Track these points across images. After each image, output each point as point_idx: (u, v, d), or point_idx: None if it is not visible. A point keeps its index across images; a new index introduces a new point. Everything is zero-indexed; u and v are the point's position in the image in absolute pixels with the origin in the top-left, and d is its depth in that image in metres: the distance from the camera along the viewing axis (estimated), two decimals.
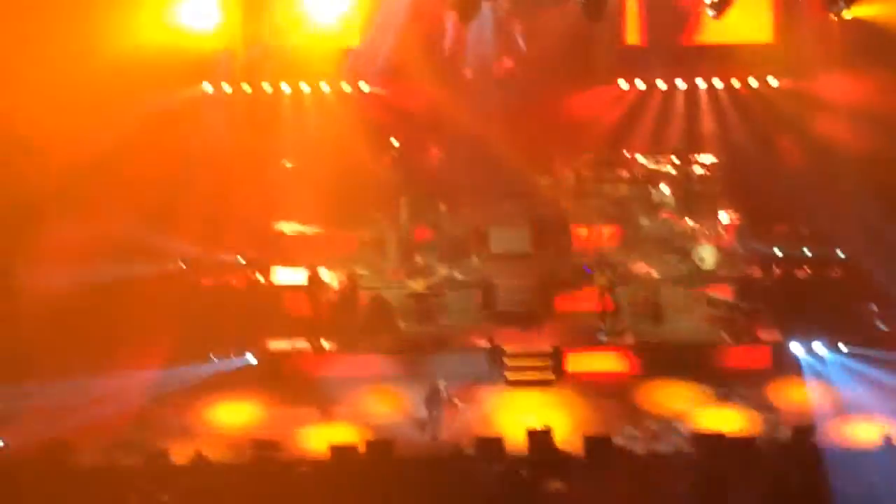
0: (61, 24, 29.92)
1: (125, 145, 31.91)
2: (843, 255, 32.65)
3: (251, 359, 29.64)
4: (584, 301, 31.63)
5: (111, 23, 31.07)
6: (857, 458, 23.43)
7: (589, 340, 30.63)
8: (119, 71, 30.46)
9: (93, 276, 30.23)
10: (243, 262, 32.71)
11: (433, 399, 26.97)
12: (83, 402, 27.37)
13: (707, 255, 32.74)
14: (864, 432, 25.96)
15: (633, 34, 37.17)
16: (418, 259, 33.07)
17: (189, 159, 33.64)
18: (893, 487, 21.78)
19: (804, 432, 24.58)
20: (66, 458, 24.36)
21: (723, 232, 33.92)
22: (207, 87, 36.23)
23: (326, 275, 31.72)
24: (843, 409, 27.52)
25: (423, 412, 27.35)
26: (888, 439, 23.67)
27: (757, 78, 37.14)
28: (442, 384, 26.93)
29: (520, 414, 27.55)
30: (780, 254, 32.96)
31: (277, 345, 30.35)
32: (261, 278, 32.54)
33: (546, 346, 30.14)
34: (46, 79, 29.99)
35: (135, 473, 23.45)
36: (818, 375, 29.05)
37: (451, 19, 35.48)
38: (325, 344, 30.36)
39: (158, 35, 32.41)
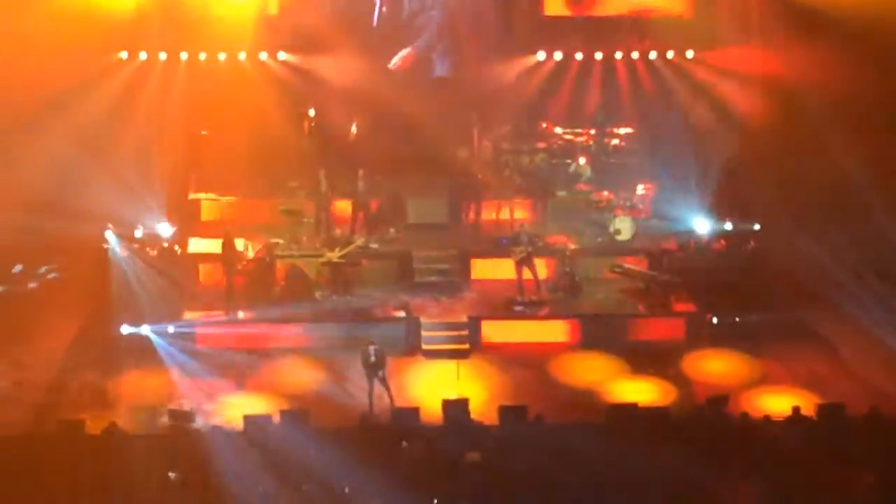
0: None
1: (41, 111, 31.57)
2: (757, 228, 32.98)
3: (168, 328, 29.42)
4: (501, 272, 31.72)
5: None
6: (767, 428, 23.69)
7: (505, 311, 30.76)
8: (34, 38, 30.06)
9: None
10: (159, 231, 32.45)
11: (367, 365, 26.64)
12: None
13: (623, 227, 32.96)
14: (776, 403, 26.29)
15: (551, 5, 37.22)
16: (336, 229, 32.94)
17: (104, 127, 33.24)
18: (801, 457, 22.10)
19: (717, 403, 24.78)
20: None
21: (639, 204, 34.15)
22: (123, 55, 35.80)
23: (242, 244, 31.52)
24: (756, 381, 27.97)
25: (340, 382, 27.45)
26: (797, 409, 23.96)
27: (674, 50, 37.31)
28: (371, 349, 26.76)
29: (436, 384, 27.64)
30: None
31: (193, 315, 30.18)
32: (176, 248, 32.28)
33: (462, 317, 30.22)
34: None
35: (49, 443, 23.22)
36: (725, 346, 29.50)
37: None
38: (241, 314, 30.25)
39: (76, 2, 31.97)
